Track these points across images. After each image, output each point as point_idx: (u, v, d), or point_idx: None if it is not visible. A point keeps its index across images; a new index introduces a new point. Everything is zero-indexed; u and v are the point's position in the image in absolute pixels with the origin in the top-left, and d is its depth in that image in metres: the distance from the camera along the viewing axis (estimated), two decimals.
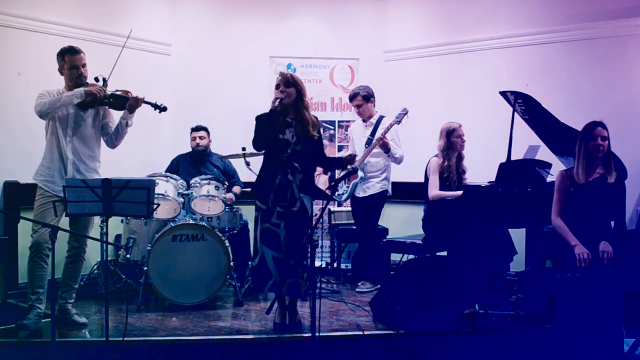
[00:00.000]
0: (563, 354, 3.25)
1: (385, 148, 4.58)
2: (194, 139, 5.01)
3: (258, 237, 3.69)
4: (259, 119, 3.69)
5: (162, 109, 3.91)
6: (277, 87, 3.69)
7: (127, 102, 3.76)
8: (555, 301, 3.40)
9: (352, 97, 4.84)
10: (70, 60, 3.64)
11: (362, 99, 4.77)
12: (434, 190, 4.28)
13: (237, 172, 5.08)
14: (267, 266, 3.65)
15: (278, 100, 3.60)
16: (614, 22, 4.84)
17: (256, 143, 3.69)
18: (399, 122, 4.57)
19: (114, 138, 3.83)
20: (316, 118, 3.79)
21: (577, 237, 3.36)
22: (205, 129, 5.05)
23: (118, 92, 3.80)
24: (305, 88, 3.73)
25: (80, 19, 4.92)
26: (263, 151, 3.81)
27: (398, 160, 4.73)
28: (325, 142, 5.67)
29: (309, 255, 3.50)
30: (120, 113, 3.82)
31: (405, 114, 4.56)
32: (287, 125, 3.67)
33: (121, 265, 4.61)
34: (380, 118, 4.80)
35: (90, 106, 3.71)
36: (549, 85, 4.97)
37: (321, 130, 3.87)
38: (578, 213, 3.45)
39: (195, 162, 4.99)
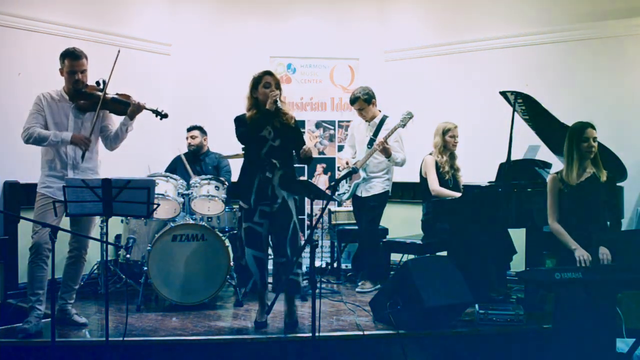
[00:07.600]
0: (562, 353, 3.25)
1: (386, 153, 4.55)
2: (187, 138, 5.07)
3: (242, 238, 3.71)
4: (239, 120, 3.70)
5: (163, 115, 3.90)
6: (267, 86, 3.66)
7: (127, 108, 3.74)
8: (555, 301, 3.41)
9: (352, 102, 4.76)
10: (69, 64, 3.62)
11: (363, 102, 4.69)
12: (435, 185, 4.46)
13: (231, 174, 5.06)
14: (249, 265, 3.68)
15: (275, 102, 3.57)
16: (614, 22, 4.85)
17: (240, 137, 3.71)
18: (403, 125, 4.51)
19: (112, 141, 3.82)
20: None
21: (575, 239, 3.34)
22: (199, 129, 5.08)
23: (119, 97, 3.78)
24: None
25: (80, 19, 4.93)
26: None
27: (400, 165, 4.70)
28: (325, 142, 5.68)
29: (308, 255, 3.49)
30: (120, 117, 3.81)
31: (411, 117, 4.49)
32: (266, 123, 3.66)
33: (121, 265, 4.62)
34: (384, 118, 4.75)
35: (89, 110, 3.69)
36: (549, 85, 4.96)
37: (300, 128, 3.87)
38: (574, 214, 3.43)
39: (191, 161, 5.06)
